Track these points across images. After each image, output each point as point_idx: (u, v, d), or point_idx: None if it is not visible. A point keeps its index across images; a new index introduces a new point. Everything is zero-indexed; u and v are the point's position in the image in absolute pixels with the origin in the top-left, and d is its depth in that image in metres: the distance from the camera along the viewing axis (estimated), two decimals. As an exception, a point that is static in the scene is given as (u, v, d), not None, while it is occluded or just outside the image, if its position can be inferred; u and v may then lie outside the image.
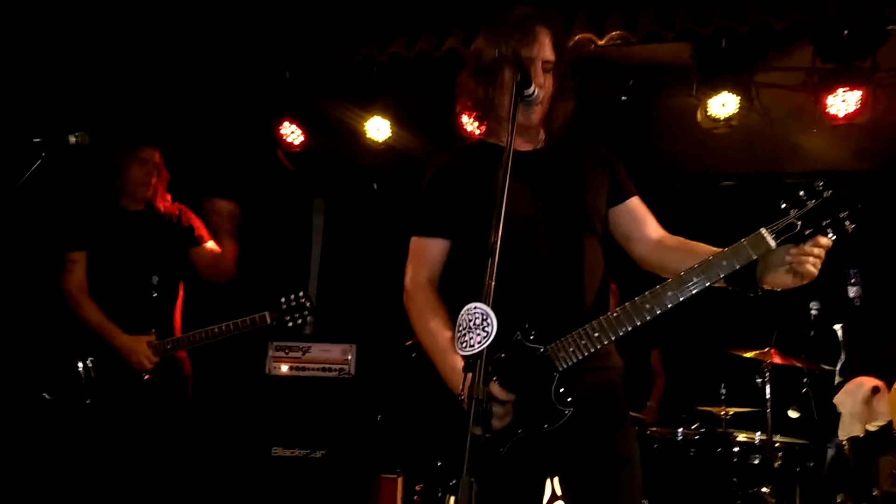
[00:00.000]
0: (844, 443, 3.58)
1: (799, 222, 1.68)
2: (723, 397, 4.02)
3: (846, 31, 3.73)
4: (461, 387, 1.58)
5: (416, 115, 4.81)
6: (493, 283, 1.56)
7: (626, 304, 1.82)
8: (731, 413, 3.98)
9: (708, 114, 4.17)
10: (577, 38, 4.08)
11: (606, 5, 4.21)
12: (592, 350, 1.84)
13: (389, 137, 4.80)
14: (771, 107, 4.25)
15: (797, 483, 3.90)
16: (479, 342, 1.49)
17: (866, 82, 3.86)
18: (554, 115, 2.04)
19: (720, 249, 1.78)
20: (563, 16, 4.22)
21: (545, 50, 1.99)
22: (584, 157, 2.09)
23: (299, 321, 3.24)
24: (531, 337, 1.87)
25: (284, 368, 4.68)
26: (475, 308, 1.52)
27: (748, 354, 3.82)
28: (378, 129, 4.77)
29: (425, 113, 4.74)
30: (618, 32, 4.03)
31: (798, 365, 3.80)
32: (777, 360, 3.75)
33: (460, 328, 1.52)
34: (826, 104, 3.94)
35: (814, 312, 4.07)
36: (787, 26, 3.77)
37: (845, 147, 4.57)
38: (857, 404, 3.17)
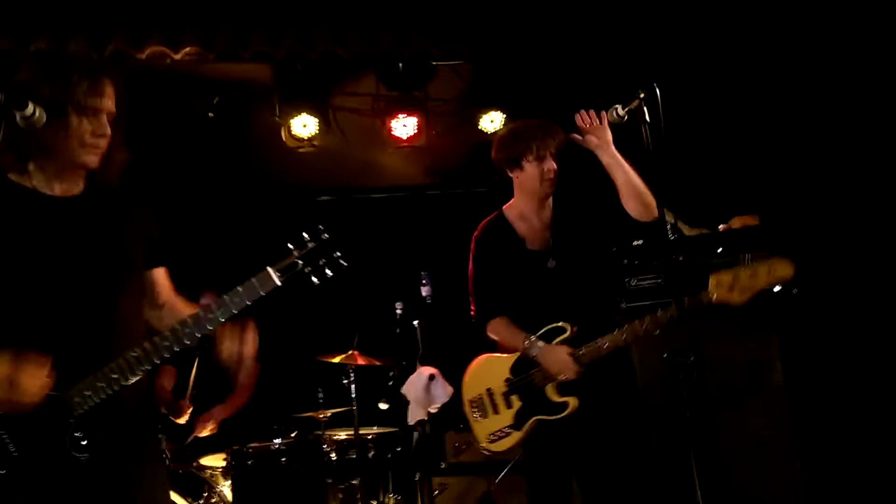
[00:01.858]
0: (426, 426, 4.07)
1: (300, 261, 1.88)
2: (321, 401, 4.23)
3: (401, 64, 4.26)
4: None
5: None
6: None
7: (146, 342, 1.81)
8: (329, 415, 4.21)
9: (292, 133, 4.38)
10: (149, 50, 3.92)
11: (182, 22, 4.12)
12: (111, 392, 1.77)
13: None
14: (347, 129, 4.63)
15: (389, 469, 4.31)
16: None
17: (421, 110, 4.45)
18: (110, 163, 1.93)
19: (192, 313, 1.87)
20: (137, 30, 4.02)
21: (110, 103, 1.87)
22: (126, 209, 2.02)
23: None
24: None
25: None
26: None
27: (335, 359, 4.08)
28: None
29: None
30: (193, 48, 3.97)
31: (378, 364, 4.19)
32: (361, 361, 4.08)
33: None
34: (391, 127, 4.45)
35: (398, 312, 4.55)
36: (353, 56, 4.15)
37: (417, 165, 5.21)
38: (419, 392, 3.62)
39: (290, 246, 1.90)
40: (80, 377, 1.77)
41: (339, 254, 1.89)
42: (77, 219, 1.87)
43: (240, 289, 1.84)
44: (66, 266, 1.81)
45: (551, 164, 2.78)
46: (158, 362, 1.81)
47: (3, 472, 1.70)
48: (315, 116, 4.36)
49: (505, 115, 4.48)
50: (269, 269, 1.86)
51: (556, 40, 4.27)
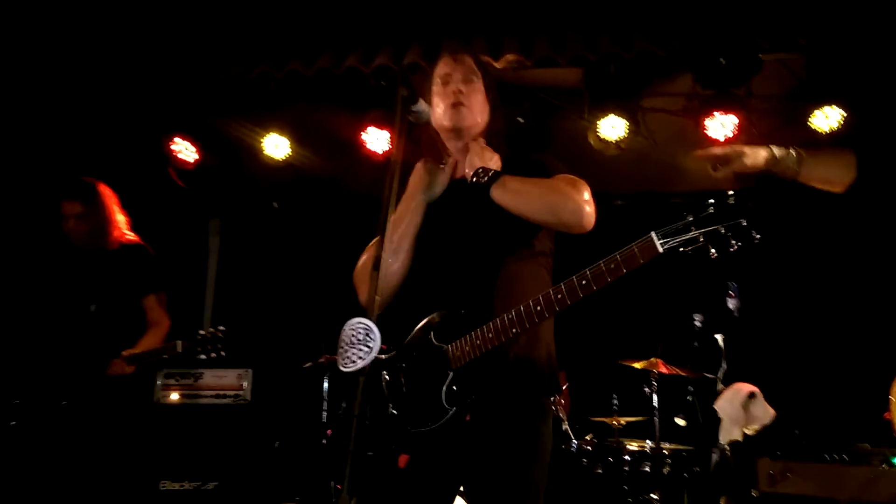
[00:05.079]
0: (726, 447, 3.78)
1: (694, 227, 1.60)
2: (615, 408, 4.14)
3: (722, 59, 4.00)
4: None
5: (315, 133, 4.75)
6: (377, 297, 1.54)
7: (521, 306, 1.80)
8: (623, 423, 4.11)
9: (599, 136, 4.35)
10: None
11: (503, 31, 4.33)
12: (485, 349, 1.81)
13: (289, 155, 4.71)
14: (657, 130, 4.47)
15: (685, 488, 4.07)
16: (362, 358, 1.46)
17: (741, 108, 4.14)
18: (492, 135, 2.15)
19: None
20: (462, 40, 4.32)
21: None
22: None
23: (212, 354, 3.26)
24: (431, 335, 1.89)
25: (175, 396, 4.44)
26: (358, 323, 1.49)
27: (637, 365, 3.96)
28: (276, 146, 4.67)
29: (325, 130, 4.69)
30: (514, 56, 4.15)
31: (682, 374, 3.97)
32: (663, 369, 3.91)
33: (342, 344, 1.49)
34: (706, 127, 4.19)
35: (697, 324, 4.29)
36: (670, 54, 4.01)
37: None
38: (735, 410, 3.34)
39: (684, 213, 1.61)
40: (463, 332, 1.85)
41: (746, 222, 1.53)
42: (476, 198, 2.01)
43: (618, 255, 1.69)
44: (467, 235, 2.00)
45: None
46: (528, 326, 1.78)
47: (396, 412, 1.86)
48: (624, 118, 4.29)
49: (843, 112, 3.97)
50: (653, 235, 1.63)
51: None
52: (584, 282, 1.72)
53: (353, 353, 1.48)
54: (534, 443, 1.90)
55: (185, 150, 4.72)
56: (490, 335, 1.81)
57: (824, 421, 4.25)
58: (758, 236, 1.56)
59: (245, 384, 4.45)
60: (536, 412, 1.94)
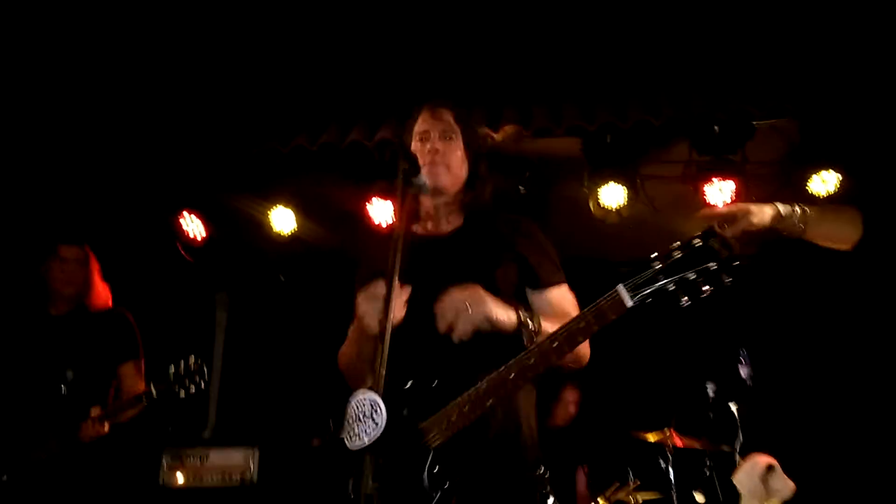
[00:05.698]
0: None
1: (662, 275, 1.54)
2: (631, 482, 4.02)
3: (716, 127, 4.08)
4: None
5: (321, 206, 4.83)
6: (384, 371, 1.50)
7: (492, 374, 1.72)
8: (640, 501, 3.97)
9: (599, 204, 4.40)
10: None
11: (502, 102, 4.45)
12: (461, 426, 1.70)
13: (295, 229, 4.78)
14: (656, 196, 4.52)
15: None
16: (368, 433, 1.42)
17: (738, 174, 4.19)
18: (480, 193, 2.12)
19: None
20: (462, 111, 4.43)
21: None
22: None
23: (192, 389, 3.02)
24: (404, 413, 1.76)
25: (180, 479, 4.34)
26: (363, 397, 1.46)
27: (651, 437, 3.86)
28: (283, 219, 4.75)
29: (331, 203, 4.77)
30: (513, 127, 4.25)
31: (698, 446, 3.87)
32: (678, 442, 3.81)
33: (348, 419, 1.46)
34: (704, 193, 4.24)
35: (710, 394, 4.20)
36: (665, 122, 4.09)
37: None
38: (753, 483, 3.23)
39: (651, 256, 1.55)
40: (437, 407, 1.72)
41: (716, 265, 1.46)
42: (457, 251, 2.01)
43: (587, 313, 1.61)
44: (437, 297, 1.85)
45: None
46: (504, 396, 1.68)
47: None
48: (623, 185, 4.35)
49: (840, 175, 4.00)
50: (620, 288, 1.56)
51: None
52: (555, 344, 1.65)
53: (359, 429, 1.44)
54: None
55: (192, 225, 4.80)
56: (465, 409, 1.70)
57: (845, 492, 4.10)
58: (728, 279, 1.50)
59: (252, 464, 4.35)
60: (522, 488, 1.85)
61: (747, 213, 1.87)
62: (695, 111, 4.04)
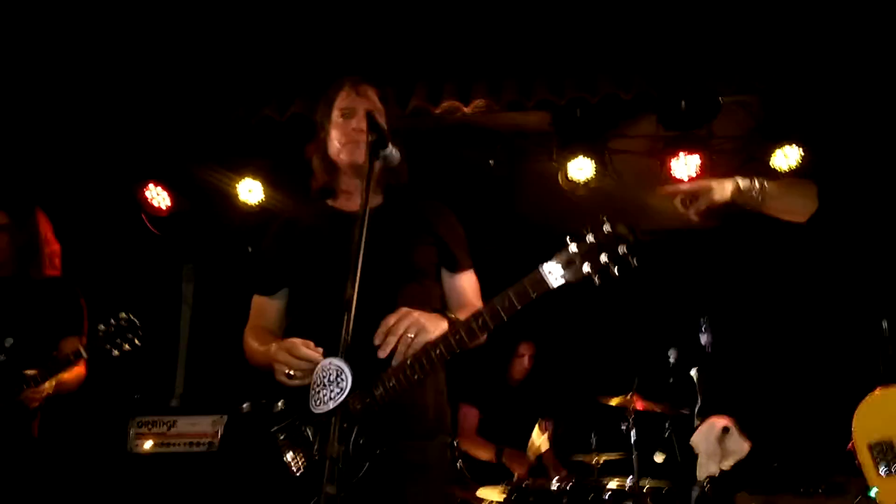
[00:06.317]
0: (705, 483, 3.79)
1: (578, 258, 1.63)
2: (593, 446, 4.15)
3: (683, 103, 4.15)
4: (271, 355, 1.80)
5: (290, 176, 4.79)
6: (349, 337, 1.53)
7: (420, 352, 1.78)
8: (602, 461, 4.11)
9: (568, 177, 4.46)
10: (445, 105, 4.29)
11: (472, 77, 4.46)
12: (387, 399, 1.75)
13: (263, 200, 4.74)
14: (623, 170, 4.60)
15: (666, 526, 4.06)
16: (334, 398, 1.47)
17: (703, 148, 4.28)
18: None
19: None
20: (433, 86, 4.43)
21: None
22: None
23: (126, 347, 2.94)
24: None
25: (147, 445, 4.35)
26: (329, 364, 1.50)
27: (614, 401, 3.99)
28: (250, 190, 4.70)
29: (299, 174, 4.73)
30: (483, 101, 4.26)
31: (658, 410, 4.00)
32: (640, 405, 3.94)
33: (314, 384, 1.50)
34: (670, 167, 4.33)
35: (672, 360, 4.34)
36: (634, 97, 4.15)
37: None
38: (710, 444, 3.36)
39: (567, 239, 1.63)
40: (365, 380, 1.72)
41: (625, 249, 1.58)
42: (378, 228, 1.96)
43: (510, 292, 1.69)
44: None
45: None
46: (430, 370, 1.75)
47: (303, 469, 1.77)
48: (591, 159, 4.41)
49: (802, 150, 4.12)
50: (542, 268, 1.64)
51: (859, 64, 3.87)
52: (480, 320, 1.73)
53: (325, 394, 1.49)
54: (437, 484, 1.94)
55: (157, 197, 4.72)
56: (393, 383, 1.74)
57: (801, 453, 4.29)
58: (635, 262, 1.60)
59: (219, 431, 4.38)
60: (431, 453, 1.94)
61: (709, 189, 2.00)
62: (664, 86, 4.10)
